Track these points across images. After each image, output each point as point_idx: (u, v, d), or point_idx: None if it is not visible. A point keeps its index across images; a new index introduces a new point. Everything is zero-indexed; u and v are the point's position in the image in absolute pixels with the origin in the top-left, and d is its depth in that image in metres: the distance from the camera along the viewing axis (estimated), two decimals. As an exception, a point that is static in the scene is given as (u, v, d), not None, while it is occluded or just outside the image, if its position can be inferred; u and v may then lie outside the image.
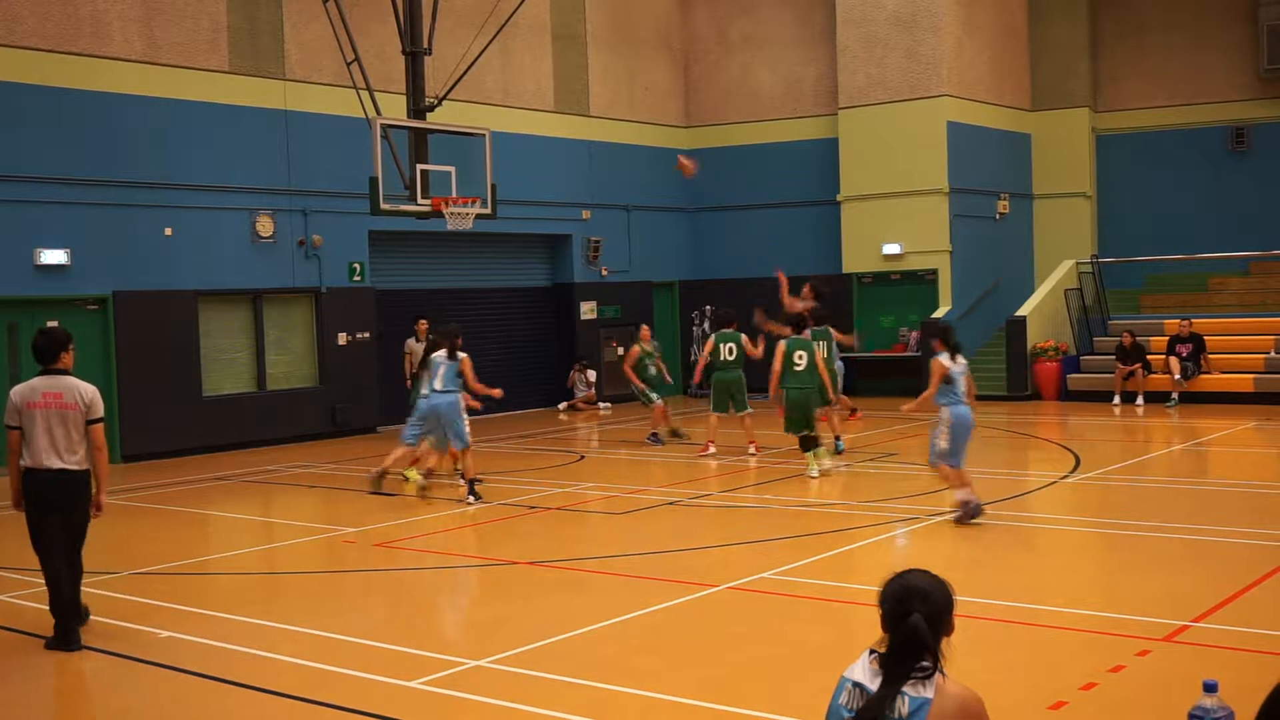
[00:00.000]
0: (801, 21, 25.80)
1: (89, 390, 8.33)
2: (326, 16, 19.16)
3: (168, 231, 18.50)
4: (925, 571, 3.36)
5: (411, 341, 19.90)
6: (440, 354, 13.55)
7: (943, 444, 11.31)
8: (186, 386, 18.66)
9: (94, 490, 8.37)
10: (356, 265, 20.87)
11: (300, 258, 20.10)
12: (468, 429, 13.53)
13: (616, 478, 15.25)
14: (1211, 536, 10.55)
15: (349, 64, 18.58)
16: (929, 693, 3.17)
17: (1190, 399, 21.06)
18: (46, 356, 8.37)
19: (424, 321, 19.59)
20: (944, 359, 11.31)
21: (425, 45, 18.96)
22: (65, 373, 8.38)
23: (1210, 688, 3.81)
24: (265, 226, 19.54)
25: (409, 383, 15.31)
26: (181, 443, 18.45)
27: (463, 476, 13.66)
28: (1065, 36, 26.01)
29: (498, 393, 14.39)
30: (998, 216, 25.20)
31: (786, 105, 26.02)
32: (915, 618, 3.20)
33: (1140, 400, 21.32)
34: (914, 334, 24.20)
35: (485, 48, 20.63)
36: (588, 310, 24.57)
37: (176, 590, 9.82)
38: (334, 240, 20.45)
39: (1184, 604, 8.23)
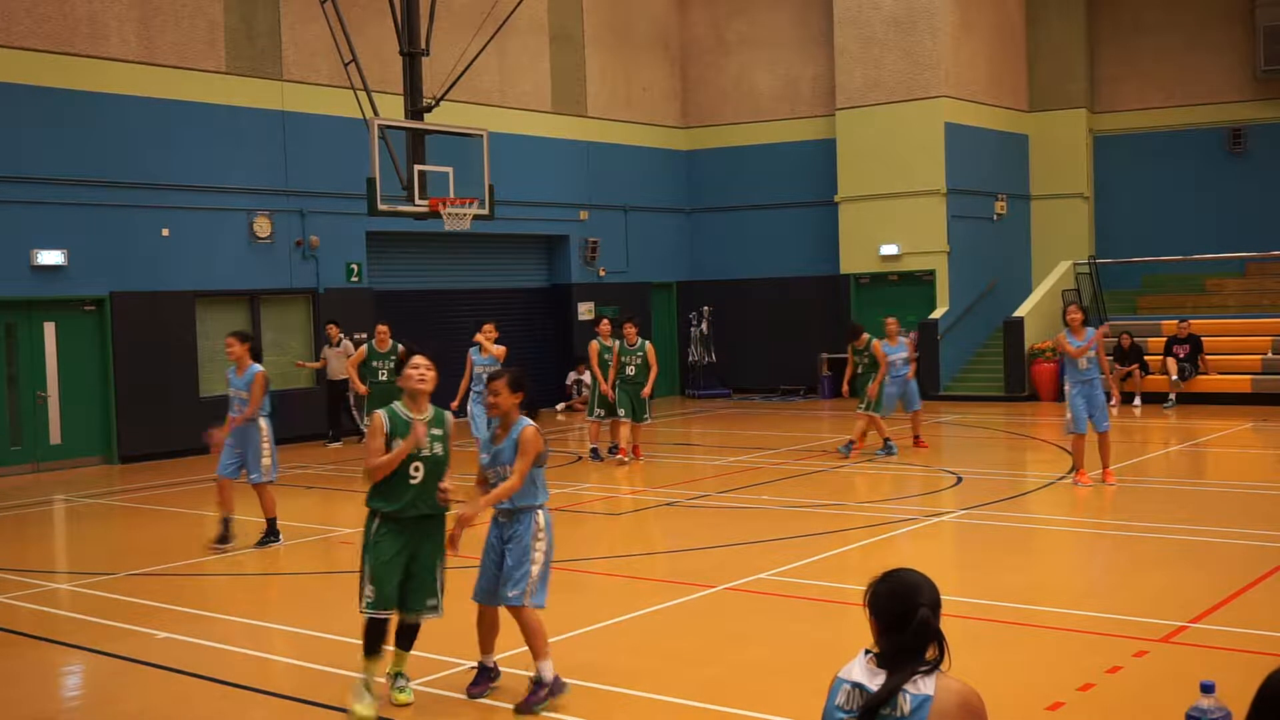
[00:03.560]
0: (799, 22, 25.81)
1: None
2: (324, 17, 19.14)
3: (165, 232, 18.49)
4: (910, 569, 3.36)
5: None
6: None
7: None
8: (184, 387, 18.66)
9: None
10: (354, 266, 20.87)
11: (298, 258, 20.09)
12: None
13: (614, 478, 15.24)
14: (1208, 537, 10.55)
15: (346, 65, 18.56)
16: (929, 689, 3.17)
17: (1187, 400, 21.08)
18: None
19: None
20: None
21: (423, 46, 18.94)
22: None
23: (1207, 688, 3.81)
24: (262, 227, 19.53)
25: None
26: (179, 443, 18.42)
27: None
28: (1062, 37, 26.03)
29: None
30: (995, 217, 25.21)
31: (784, 106, 26.02)
32: (924, 611, 3.21)
33: (1138, 401, 21.35)
34: (912, 335, 24.17)
35: (483, 49, 20.62)
36: (585, 311, 24.56)
37: (174, 591, 9.81)
38: (331, 241, 20.45)
39: (1181, 604, 8.24)
